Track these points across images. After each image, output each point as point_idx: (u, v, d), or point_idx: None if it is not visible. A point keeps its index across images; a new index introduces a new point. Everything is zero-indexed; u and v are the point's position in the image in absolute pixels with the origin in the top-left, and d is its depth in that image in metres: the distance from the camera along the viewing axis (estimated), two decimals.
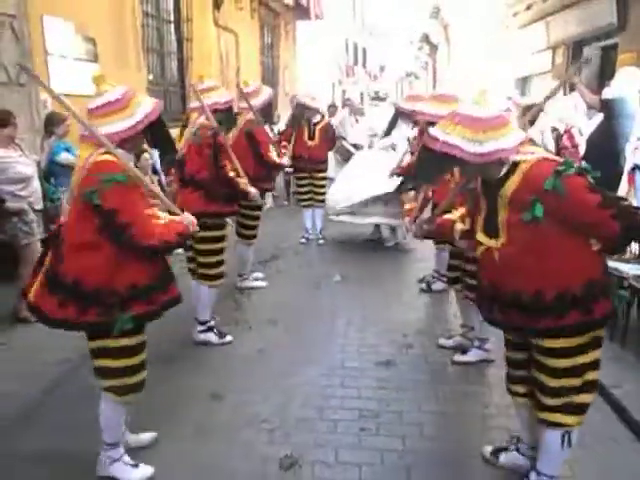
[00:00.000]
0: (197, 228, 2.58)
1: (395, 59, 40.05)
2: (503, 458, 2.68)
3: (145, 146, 4.39)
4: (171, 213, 2.57)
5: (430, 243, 4.90)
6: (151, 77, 8.24)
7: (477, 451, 2.83)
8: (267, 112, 5.10)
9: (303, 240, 7.17)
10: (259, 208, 5.07)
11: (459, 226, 2.62)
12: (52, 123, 4.97)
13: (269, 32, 13.95)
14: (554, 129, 7.15)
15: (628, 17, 8.51)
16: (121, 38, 7.08)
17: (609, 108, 5.41)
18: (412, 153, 5.02)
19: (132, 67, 7.33)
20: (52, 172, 4.95)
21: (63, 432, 2.96)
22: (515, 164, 2.13)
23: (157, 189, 2.61)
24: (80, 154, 2.41)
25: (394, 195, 6.00)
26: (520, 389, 2.49)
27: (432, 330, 4.37)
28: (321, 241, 7.16)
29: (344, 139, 7.82)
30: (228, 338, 4.14)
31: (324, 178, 7.14)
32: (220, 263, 4.07)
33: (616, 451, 2.85)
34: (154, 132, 2.57)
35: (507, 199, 2.15)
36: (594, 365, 2.26)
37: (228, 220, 5.00)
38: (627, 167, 5.79)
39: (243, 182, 4.03)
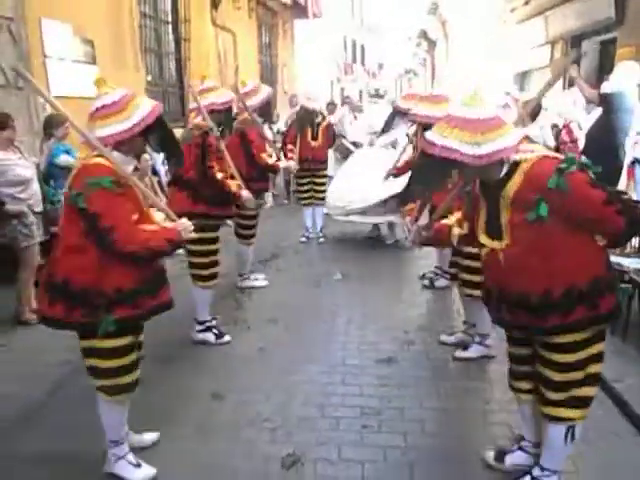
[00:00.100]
0: (193, 235, 2.55)
1: (393, 56, 40.02)
2: (509, 461, 2.63)
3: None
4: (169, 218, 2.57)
5: None
6: (149, 78, 8.25)
7: (479, 447, 2.83)
8: (266, 111, 5.08)
9: (303, 239, 7.17)
10: (258, 206, 5.06)
11: (456, 231, 2.59)
12: (51, 125, 4.98)
13: (267, 31, 13.94)
14: (554, 125, 7.15)
15: (626, 11, 8.49)
16: (119, 39, 7.09)
17: (608, 102, 5.40)
18: (414, 148, 4.98)
19: (130, 68, 7.33)
20: (52, 174, 4.96)
21: (64, 434, 2.97)
22: (515, 164, 2.12)
23: (152, 194, 2.56)
24: (80, 156, 2.43)
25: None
26: (524, 385, 2.48)
27: (433, 327, 4.37)
28: (321, 239, 7.16)
29: (343, 137, 7.82)
30: (226, 338, 4.14)
31: (324, 176, 7.15)
32: (213, 264, 4.05)
33: (618, 445, 2.85)
34: (158, 135, 2.56)
35: (509, 199, 2.13)
36: (598, 358, 2.25)
37: (228, 221, 5.01)
38: (627, 161, 5.79)
39: (234, 184, 3.96)
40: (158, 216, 2.59)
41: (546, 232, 2.06)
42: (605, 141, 5.45)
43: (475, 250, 2.61)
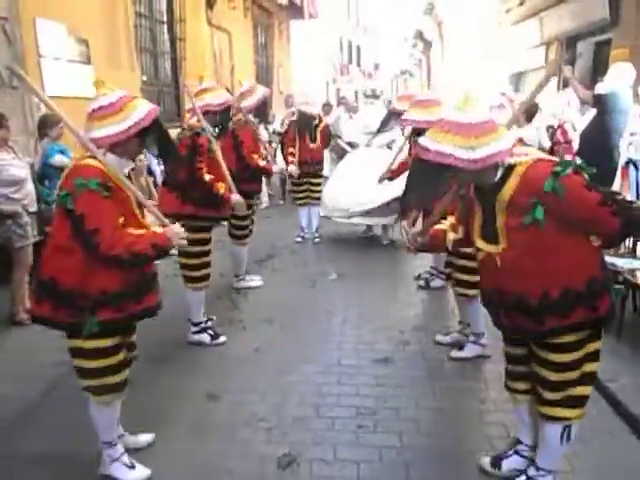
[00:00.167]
0: (183, 242, 2.53)
1: (389, 57, 40.07)
2: (505, 466, 2.61)
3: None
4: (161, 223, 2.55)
5: None
6: (145, 78, 8.23)
7: (474, 447, 2.84)
8: (262, 111, 5.07)
9: (299, 239, 7.17)
10: (249, 207, 5.01)
11: (451, 235, 2.59)
12: (46, 125, 4.97)
13: (263, 31, 13.94)
14: (549, 126, 7.18)
15: (620, 12, 8.53)
16: (114, 39, 7.07)
17: (602, 103, 5.42)
18: (409, 149, 4.98)
19: (126, 68, 7.32)
20: (46, 174, 4.94)
21: (60, 434, 2.96)
22: (510, 167, 2.11)
23: (144, 198, 2.53)
24: (74, 156, 2.42)
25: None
26: (521, 386, 2.48)
27: (429, 327, 4.37)
28: (317, 239, 7.16)
29: (339, 137, 7.83)
30: (222, 339, 4.13)
31: (320, 176, 7.17)
32: (205, 265, 4.04)
33: (613, 445, 2.86)
34: (155, 137, 2.55)
35: (505, 203, 2.13)
36: (594, 356, 2.26)
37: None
38: (621, 162, 5.82)
39: (223, 187, 3.89)
40: (151, 219, 2.58)
41: (542, 234, 2.07)
42: (599, 142, 5.47)
43: (470, 250, 2.61)
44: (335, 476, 2.67)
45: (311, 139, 6.78)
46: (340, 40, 31.40)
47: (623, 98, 5.41)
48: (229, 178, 3.97)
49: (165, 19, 9.01)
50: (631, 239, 4.22)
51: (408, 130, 5.12)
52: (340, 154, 7.71)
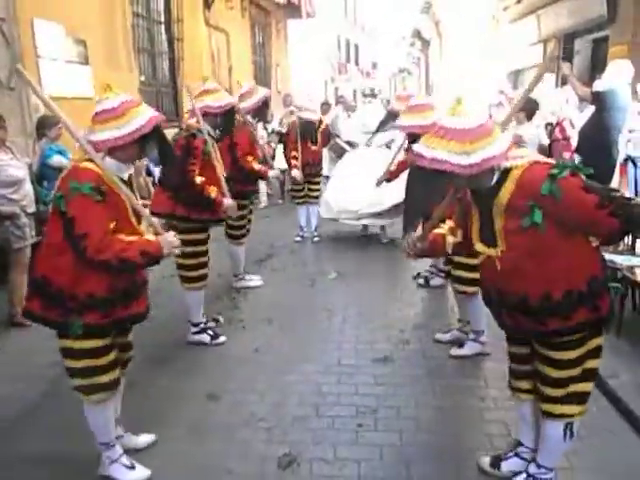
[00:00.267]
0: (176, 251, 2.52)
1: (387, 55, 40.07)
2: (505, 467, 2.61)
3: None
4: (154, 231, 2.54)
5: None
6: (143, 78, 8.22)
7: (475, 445, 2.85)
8: (262, 112, 5.07)
9: (298, 238, 7.17)
10: (244, 207, 4.98)
11: (450, 239, 2.58)
12: (44, 126, 4.96)
13: (260, 31, 13.93)
14: (548, 124, 7.17)
15: (618, 9, 8.53)
16: (112, 40, 7.06)
17: (600, 100, 5.42)
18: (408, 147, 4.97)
19: (124, 68, 7.31)
20: (44, 175, 4.93)
21: (61, 433, 2.96)
22: (506, 171, 2.11)
23: (139, 204, 2.49)
24: (73, 157, 2.43)
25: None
26: (524, 385, 2.48)
27: (429, 325, 4.37)
28: (316, 239, 7.15)
29: (337, 136, 7.82)
30: (221, 339, 4.12)
31: (319, 175, 7.17)
32: (201, 266, 4.02)
33: (612, 442, 2.86)
34: (155, 145, 2.53)
35: (503, 207, 2.12)
36: (595, 353, 2.26)
37: None
38: (620, 158, 5.82)
39: (214, 190, 3.83)
40: (144, 226, 2.55)
41: (541, 237, 2.07)
42: (598, 139, 5.47)
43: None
44: (336, 475, 2.67)
45: (313, 142, 6.80)
46: (338, 39, 31.42)
47: (621, 95, 5.41)
48: (223, 182, 3.92)
49: (163, 19, 9.01)
50: (630, 236, 4.22)
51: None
52: (339, 153, 7.70)
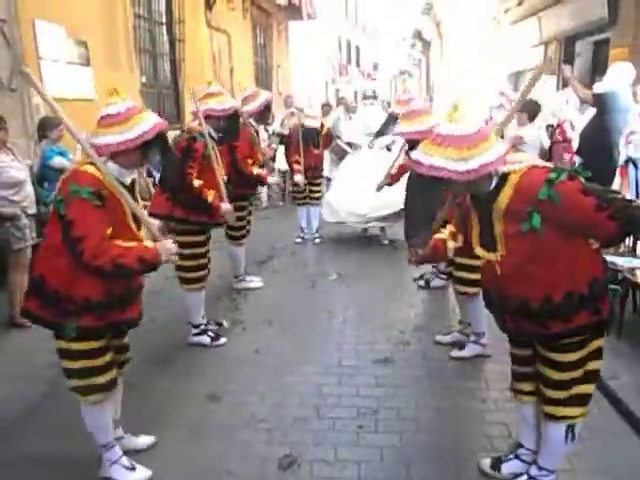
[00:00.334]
0: (174, 259, 2.50)
1: (388, 57, 40.07)
2: (505, 470, 2.61)
3: None
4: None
5: None
6: (144, 79, 8.23)
7: (475, 446, 2.84)
8: (264, 115, 5.09)
9: (299, 240, 7.17)
10: (244, 209, 4.98)
11: (451, 244, 2.59)
12: (45, 127, 4.96)
13: (261, 32, 13.94)
14: (549, 125, 7.18)
15: (619, 11, 8.53)
16: (113, 41, 7.07)
17: (601, 102, 5.41)
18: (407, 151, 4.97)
19: (125, 69, 7.32)
20: (45, 176, 4.93)
21: (61, 434, 2.96)
22: (504, 176, 2.11)
23: (139, 209, 2.49)
24: (75, 159, 2.43)
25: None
26: (526, 387, 2.47)
27: (429, 327, 4.37)
28: (317, 240, 7.16)
29: (338, 138, 7.82)
30: (222, 340, 4.12)
31: (320, 177, 7.19)
32: (201, 267, 4.02)
33: (613, 444, 2.85)
34: (158, 152, 2.53)
35: (502, 212, 2.13)
36: (597, 354, 2.26)
37: None
38: (621, 160, 5.82)
39: (212, 194, 3.81)
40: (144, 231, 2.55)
41: (540, 241, 2.06)
42: (599, 141, 5.47)
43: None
44: (336, 476, 2.67)
45: (315, 146, 6.81)
46: (339, 40, 31.43)
47: (622, 97, 5.41)
48: (222, 186, 3.90)
49: (164, 20, 9.01)
50: (631, 238, 4.22)
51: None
52: (340, 155, 7.71)
